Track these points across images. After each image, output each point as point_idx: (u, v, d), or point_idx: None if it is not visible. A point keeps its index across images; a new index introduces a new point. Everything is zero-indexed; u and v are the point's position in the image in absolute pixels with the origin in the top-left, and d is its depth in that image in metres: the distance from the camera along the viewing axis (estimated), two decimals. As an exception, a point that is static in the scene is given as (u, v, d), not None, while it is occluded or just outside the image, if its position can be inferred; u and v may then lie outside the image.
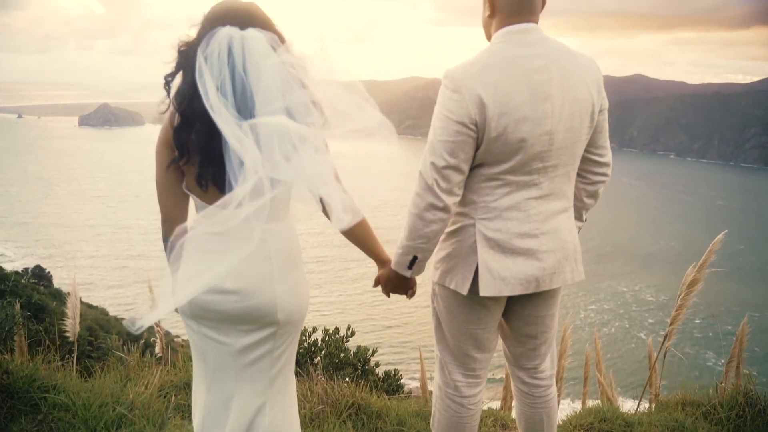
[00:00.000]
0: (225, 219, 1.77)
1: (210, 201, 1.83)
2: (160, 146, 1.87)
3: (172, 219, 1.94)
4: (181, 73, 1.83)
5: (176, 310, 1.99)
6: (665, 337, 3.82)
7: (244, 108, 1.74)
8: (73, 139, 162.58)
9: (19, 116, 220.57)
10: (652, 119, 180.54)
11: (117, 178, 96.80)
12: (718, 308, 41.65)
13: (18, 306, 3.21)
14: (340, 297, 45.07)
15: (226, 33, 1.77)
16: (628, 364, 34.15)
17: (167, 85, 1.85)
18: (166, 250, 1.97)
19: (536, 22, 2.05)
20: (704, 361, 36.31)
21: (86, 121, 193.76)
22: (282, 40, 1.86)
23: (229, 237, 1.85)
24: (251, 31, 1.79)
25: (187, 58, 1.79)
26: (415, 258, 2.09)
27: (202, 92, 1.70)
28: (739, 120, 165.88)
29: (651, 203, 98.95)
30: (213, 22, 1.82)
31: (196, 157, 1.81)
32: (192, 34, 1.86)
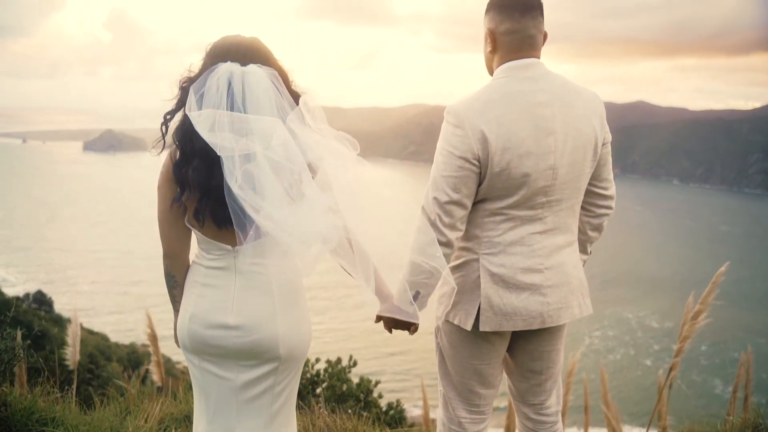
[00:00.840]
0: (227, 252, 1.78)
1: (208, 235, 1.84)
2: (162, 181, 1.88)
3: (174, 253, 1.94)
4: (182, 109, 1.84)
5: (178, 345, 1.98)
6: (670, 369, 3.78)
7: None
8: (77, 164, 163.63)
9: (24, 141, 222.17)
10: (654, 145, 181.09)
11: (120, 203, 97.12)
12: (724, 335, 41.27)
13: (19, 337, 3.18)
14: (342, 324, 44.79)
15: (226, 68, 1.79)
16: (635, 392, 33.73)
17: (165, 124, 1.86)
18: (167, 284, 1.96)
19: (538, 57, 2.07)
20: (711, 389, 35.89)
21: (91, 146, 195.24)
22: (284, 76, 1.88)
23: (229, 271, 1.85)
24: (252, 67, 1.81)
25: (188, 93, 1.81)
26: (417, 293, 2.08)
27: (194, 125, 1.72)
28: (742, 146, 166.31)
29: (655, 229, 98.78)
30: (214, 57, 1.84)
31: (196, 193, 1.81)
32: (194, 69, 1.88)
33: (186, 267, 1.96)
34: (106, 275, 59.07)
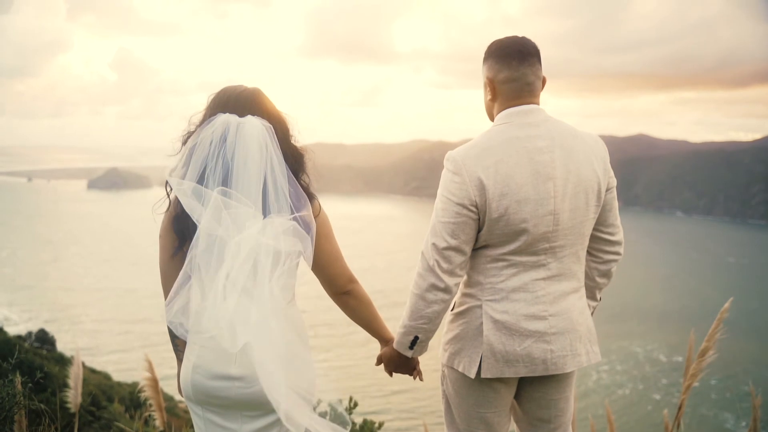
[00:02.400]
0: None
1: None
2: (163, 232, 1.89)
3: (176, 303, 1.93)
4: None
5: (182, 395, 1.97)
6: (679, 407, 3.72)
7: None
8: (82, 202, 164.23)
9: (29, 179, 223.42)
10: (656, 177, 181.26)
11: (124, 241, 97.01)
12: (734, 368, 40.64)
13: (20, 384, 3.15)
14: (347, 362, 44.28)
15: (223, 120, 1.82)
16: (645, 428, 33.07)
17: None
18: (170, 334, 1.96)
19: (537, 103, 2.08)
20: (722, 423, 35.19)
21: (95, 184, 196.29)
22: (284, 128, 1.90)
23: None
24: (249, 119, 1.83)
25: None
26: (416, 338, 2.07)
27: (176, 192, 1.76)
28: (744, 177, 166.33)
29: (660, 261, 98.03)
30: (214, 109, 1.88)
31: None
32: (195, 120, 1.91)
33: (188, 317, 1.95)
34: (109, 313, 58.73)
